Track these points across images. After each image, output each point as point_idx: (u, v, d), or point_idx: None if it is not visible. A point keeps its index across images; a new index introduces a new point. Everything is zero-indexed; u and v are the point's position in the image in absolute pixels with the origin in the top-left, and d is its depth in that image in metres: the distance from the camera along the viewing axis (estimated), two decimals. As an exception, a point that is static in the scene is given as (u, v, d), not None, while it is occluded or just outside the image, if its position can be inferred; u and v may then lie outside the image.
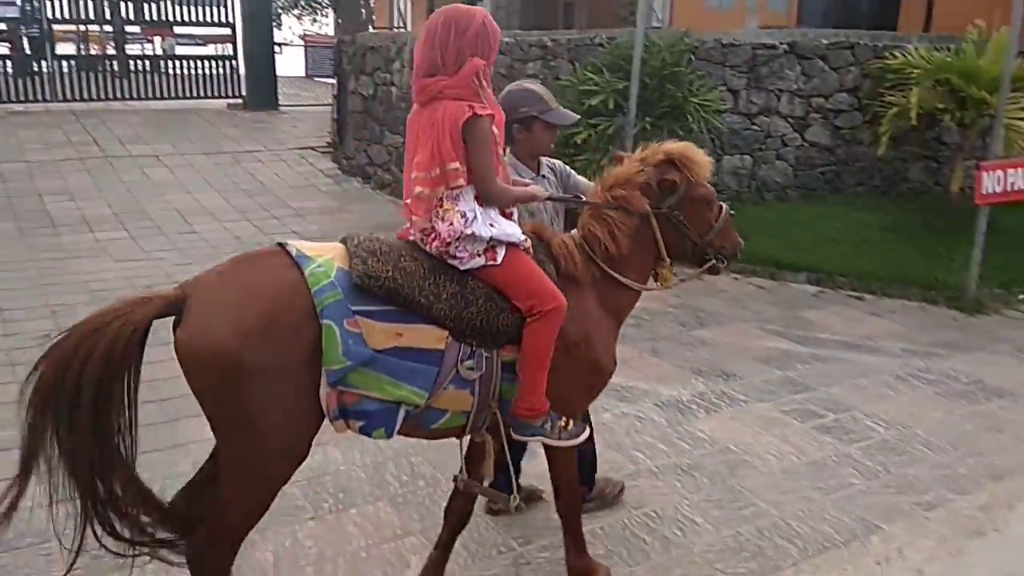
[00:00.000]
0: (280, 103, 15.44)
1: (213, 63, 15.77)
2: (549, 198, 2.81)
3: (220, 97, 15.50)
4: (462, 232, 2.33)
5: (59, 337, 2.13)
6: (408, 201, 2.42)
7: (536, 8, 14.61)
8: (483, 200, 2.40)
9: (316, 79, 22.03)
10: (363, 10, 14.35)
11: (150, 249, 7.88)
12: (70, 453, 2.12)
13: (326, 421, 2.30)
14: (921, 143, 9.27)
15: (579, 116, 3.37)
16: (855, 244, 7.60)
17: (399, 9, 18.43)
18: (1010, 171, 6.68)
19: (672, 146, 2.75)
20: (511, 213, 2.53)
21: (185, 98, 15.31)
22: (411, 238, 2.46)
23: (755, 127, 8.82)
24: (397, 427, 2.33)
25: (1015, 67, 7.18)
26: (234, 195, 9.93)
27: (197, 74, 15.52)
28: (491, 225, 2.38)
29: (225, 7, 15.77)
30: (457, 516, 2.86)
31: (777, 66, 8.79)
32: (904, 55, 8.63)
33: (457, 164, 2.30)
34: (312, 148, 12.20)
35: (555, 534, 3.27)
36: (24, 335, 5.32)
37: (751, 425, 4.42)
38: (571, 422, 2.59)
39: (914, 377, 5.24)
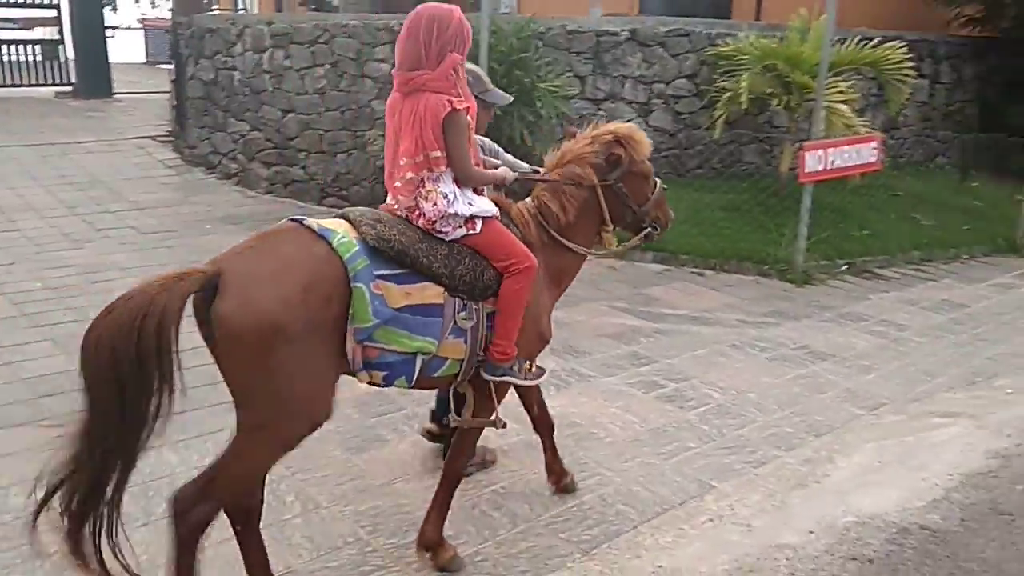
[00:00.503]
0: (115, 90, 14.45)
1: (38, 48, 14.53)
2: (516, 179, 3.03)
3: (47, 85, 14.33)
4: (445, 211, 2.65)
5: (98, 317, 2.20)
6: (397, 184, 2.70)
7: (387, -7, 14.40)
8: (460, 183, 2.72)
9: (157, 65, 20.77)
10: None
11: (-36, 249, 7.20)
12: (97, 429, 2.22)
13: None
14: (754, 126, 9.83)
15: (512, 97, 3.69)
16: (696, 223, 7.97)
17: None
18: (830, 151, 7.21)
19: (619, 126, 3.18)
20: (483, 190, 2.86)
21: (7, 86, 14.04)
22: (398, 215, 2.72)
23: (602, 112, 9.07)
24: (415, 375, 2.64)
25: (832, 53, 7.75)
26: (62, 189, 9.21)
27: (20, 60, 14.26)
28: (469, 204, 2.72)
29: (48, -13, 14.57)
30: (545, 427, 3.49)
31: (620, 53, 9.07)
32: (735, 42, 9.10)
33: (439, 152, 2.62)
34: (151, 137, 11.48)
35: (402, 521, 3.27)
36: None
37: (598, 399, 4.56)
38: (534, 365, 2.97)
39: (748, 345, 5.58)
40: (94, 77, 14.00)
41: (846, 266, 7.67)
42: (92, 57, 14.02)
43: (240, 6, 17.86)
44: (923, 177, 9.92)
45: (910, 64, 8.69)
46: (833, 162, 7.20)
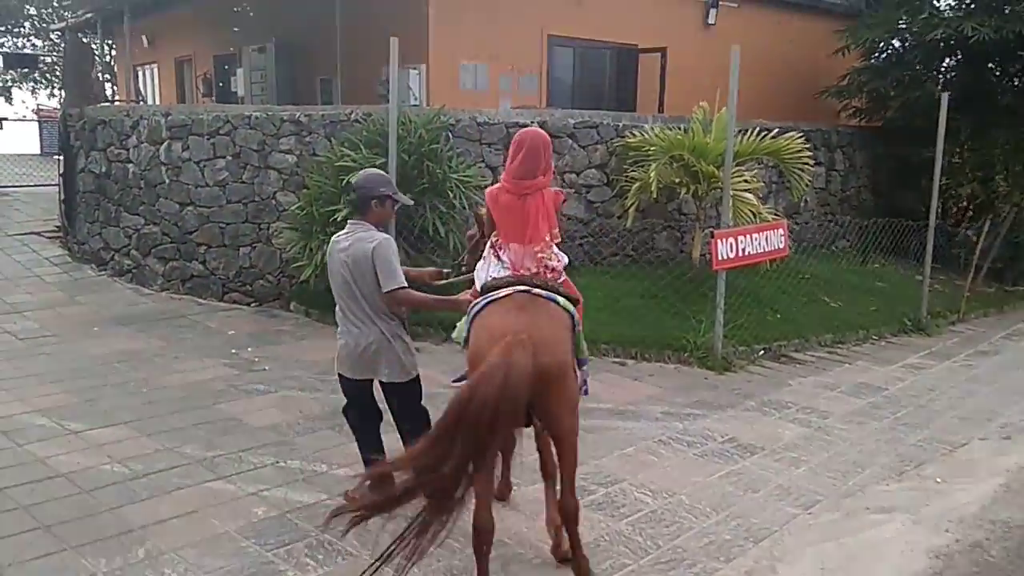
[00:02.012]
0: (2, 184, 13.62)
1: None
2: None
3: (-75, 180, 13.41)
4: (564, 264, 3.66)
5: (476, 381, 2.98)
6: (535, 257, 3.56)
7: (293, 83, 14.23)
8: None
9: (54, 156, 19.88)
10: (95, 83, 13.26)
11: None
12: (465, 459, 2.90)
13: None
14: (664, 214, 9.95)
15: (412, 201, 4.88)
16: (614, 312, 7.88)
17: (137, 85, 17.19)
18: (740, 238, 7.27)
19: None
20: None
21: None
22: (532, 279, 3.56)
23: (515, 202, 8.99)
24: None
25: (735, 144, 7.93)
26: (-69, 293, 8.43)
27: None
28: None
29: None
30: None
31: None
32: (642, 133, 9.27)
33: (556, 228, 3.67)
34: (37, 233, 10.75)
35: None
36: None
37: (524, 511, 4.21)
38: None
39: (675, 440, 5.37)
40: (-23, 170, 13.18)
41: (763, 351, 7.66)
42: (-25, 149, 13.23)
43: (137, 98, 17.39)
44: (826, 260, 10.20)
45: (808, 153, 9.01)
46: (744, 249, 7.25)
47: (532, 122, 9.15)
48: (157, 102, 18.71)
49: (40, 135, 21.89)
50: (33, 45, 29.30)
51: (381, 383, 4.02)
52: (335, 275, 3.94)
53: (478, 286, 3.76)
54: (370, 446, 4.07)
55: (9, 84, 30.18)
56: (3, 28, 27.92)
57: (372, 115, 8.32)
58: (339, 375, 4.10)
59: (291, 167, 8.61)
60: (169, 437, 5.08)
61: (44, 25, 28.10)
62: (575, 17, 11.71)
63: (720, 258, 7.06)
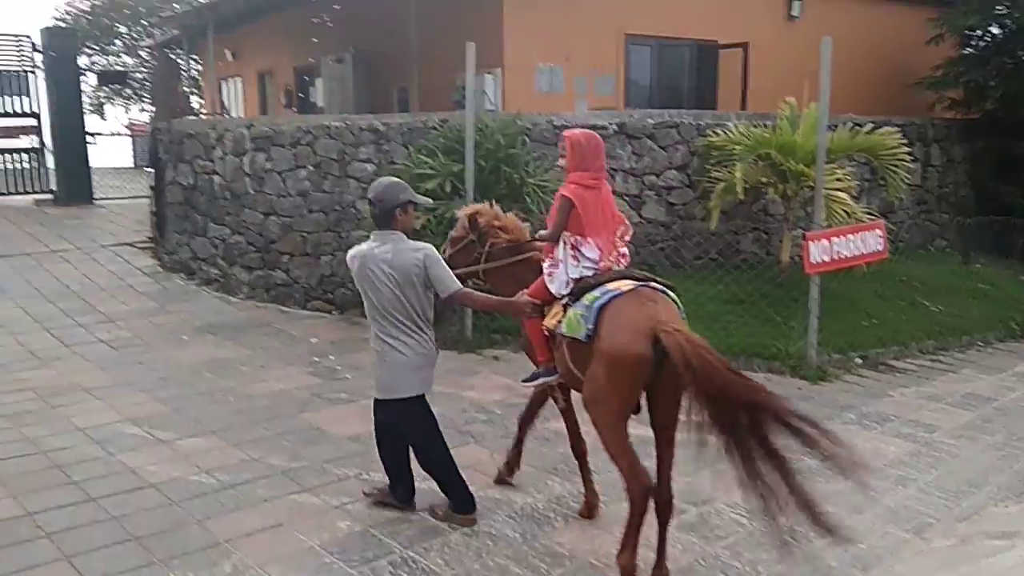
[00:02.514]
0: (97, 196, 14.22)
1: (17, 156, 14.33)
2: None
3: (26, 193, 14.06)
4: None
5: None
6: (620, 250, 3.90)
7: (371, 92, 14.40)
8: None
9: (146, 169, 20.70)
10: (182, 97, 13.72)
11: (-81, 372, 6.69)
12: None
13: None
14: (750, 216, 9.61)
15: (432, 201, 5.01)
16: (699, 318, 7.57)
17: (222, 98, 17.64)
18: (835, 239, 6.90)
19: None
20: None
21: (-13, 195, 13.76)
22: (613, 268, 3.78)
23: (594, 206, 8.82)
24: None
25: (827, 140, 7.56)
26: (33, 302, 8.77)
27: (3, 168, 14.04)
28: None
29: (28, 96, 14.46)
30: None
31: (609, 146, 8.87)
32: (726, 132, 8.96)
33: None
34: (130, 244, 11.15)
35: None
36: None
37: (613, 531, 4.01)
38: None
39: (770, 456, 5.09)
40: (74, 184, 13.77)
41: (860, 359, 7.27)
42: (72, 163, 13.83)
43: (221, 111, 17.90)
44: (925, 261, 9.67)
45: (906, 149, 8.55)
46: (839, 252, 6.87)
47: (609, 124, 8.98)
48: (240, 114, 19.26)
49: (133, 149, 22.89)
50: (124, 63, 30.61)
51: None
52: (380, 288, 3.85)
53: (554, 289, 3.79)
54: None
55: (102, 101, 31.59)
56: (96, 47, 29.21)
57: (448, 122, 8.29)
58: (407, 398, 3.98)
59: (370, 176, 8.64)
60: (255, 447, 5.11)
61: (134, 43, 29.31)
62: (653, 14, 11.46)
63: (813, 261, 6.72)
